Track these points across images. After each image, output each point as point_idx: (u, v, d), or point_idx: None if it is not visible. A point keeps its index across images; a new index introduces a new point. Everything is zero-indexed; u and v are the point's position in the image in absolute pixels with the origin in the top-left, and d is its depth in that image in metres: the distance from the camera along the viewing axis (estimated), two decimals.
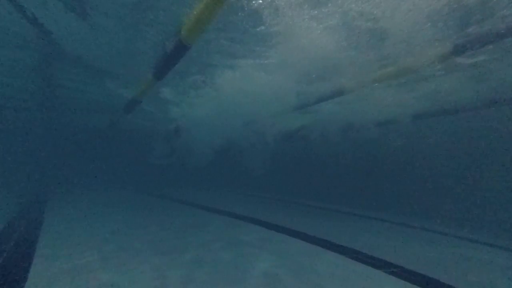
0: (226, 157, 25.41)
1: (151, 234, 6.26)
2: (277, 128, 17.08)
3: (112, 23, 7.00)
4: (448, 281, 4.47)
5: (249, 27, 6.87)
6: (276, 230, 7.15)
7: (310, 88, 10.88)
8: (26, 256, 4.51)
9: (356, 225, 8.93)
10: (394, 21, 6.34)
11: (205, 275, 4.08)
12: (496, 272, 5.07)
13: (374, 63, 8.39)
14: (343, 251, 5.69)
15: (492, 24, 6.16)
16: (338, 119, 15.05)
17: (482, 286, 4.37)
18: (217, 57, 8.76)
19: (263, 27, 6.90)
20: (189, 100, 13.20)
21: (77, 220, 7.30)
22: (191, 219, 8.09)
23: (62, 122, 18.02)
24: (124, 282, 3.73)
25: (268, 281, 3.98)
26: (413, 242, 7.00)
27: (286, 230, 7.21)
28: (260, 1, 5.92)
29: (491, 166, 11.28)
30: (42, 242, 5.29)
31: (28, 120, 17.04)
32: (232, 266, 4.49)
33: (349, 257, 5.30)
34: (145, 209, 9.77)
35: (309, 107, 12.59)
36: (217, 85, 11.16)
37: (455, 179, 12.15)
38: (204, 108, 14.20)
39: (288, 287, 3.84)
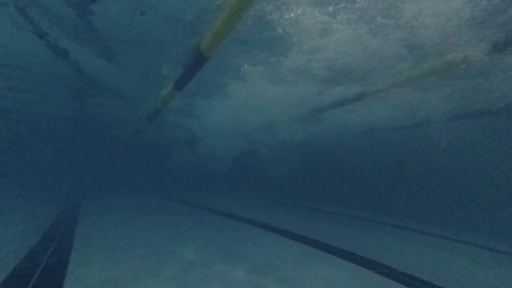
0: (246, 163, 25.53)
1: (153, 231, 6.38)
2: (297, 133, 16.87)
3: (133, 62, 8.33)
4: None
5: (259, 32, 6.73)
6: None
7: (329, 93, 10.64)
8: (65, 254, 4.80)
9: (387, 236, 8.45)
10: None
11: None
12: None
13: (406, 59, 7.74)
14: (371, 265, 5.38)
15: None
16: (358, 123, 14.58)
17: None
18: (229, 65, 8.82)
19: (270, 32, 6.71)
20: (202, 107, 13.50)
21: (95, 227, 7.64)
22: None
23: (93, 134, 19.44)
24: None
25: None
26: (458, 258, 6.46)
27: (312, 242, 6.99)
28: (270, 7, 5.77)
29: None
30: (78, 235, 5.61)
31: (64, 133, 18.68)
32: None
33: (378, 273, 4.99)
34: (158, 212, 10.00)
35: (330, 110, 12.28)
36: (229, 93, 11.25)
37: (504, 188, 10.98)
38: (218, 116, 14.41)
39: None
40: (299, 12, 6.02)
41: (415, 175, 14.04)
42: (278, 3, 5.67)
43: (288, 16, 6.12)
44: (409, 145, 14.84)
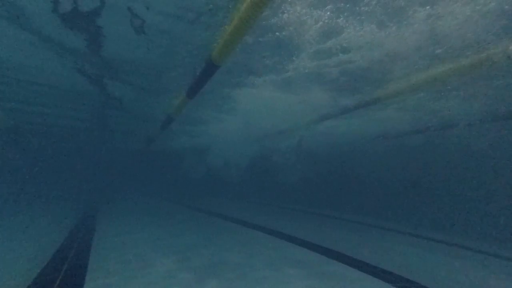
0: (258, 170, 25.37)
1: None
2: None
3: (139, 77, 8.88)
4: None
5: (261, 36, 6.46)
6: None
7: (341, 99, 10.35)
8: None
9: (408, 247, 7.92)
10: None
11: None
12: None
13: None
14: (390, 278, 4.99)
15: None
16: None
17: None
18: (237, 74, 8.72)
19: (271, 35, 6.34)
20: (208, 115, 13.57)
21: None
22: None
23: (111, 145, 20.24)
24: None
25: None
26: (492, 275, 5.90)
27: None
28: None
29: None
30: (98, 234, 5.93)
31: (85, 144, 19.60)
32: None
33: (398, 287, 4.60)
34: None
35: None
36: (235, 100, 11.17)
37: None
38: (228, 124, 14.41)
39: None
40: (300, 13, 5.75)
41: (440, 182, 13.19)
42: (275, 5, 5.45)
43: (287, 17, 5.82)
44: (430, 150, 14.09)
